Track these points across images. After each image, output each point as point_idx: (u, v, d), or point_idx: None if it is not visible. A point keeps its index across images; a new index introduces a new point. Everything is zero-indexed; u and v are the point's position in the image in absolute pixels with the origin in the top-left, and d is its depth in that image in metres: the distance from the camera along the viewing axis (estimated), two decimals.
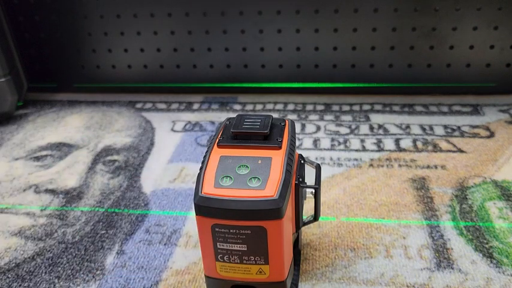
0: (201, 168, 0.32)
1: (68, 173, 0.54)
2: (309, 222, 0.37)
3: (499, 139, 0.58)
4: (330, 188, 0.50)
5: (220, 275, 0.33)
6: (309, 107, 0.68)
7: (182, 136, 0.62)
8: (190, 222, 0.46)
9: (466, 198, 0.48)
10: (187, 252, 0.42)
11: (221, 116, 0.67)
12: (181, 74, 0.73)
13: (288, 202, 0.32)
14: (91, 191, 0.51)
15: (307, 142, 0.59)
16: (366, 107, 0.67)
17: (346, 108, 0.67)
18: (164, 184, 0.52)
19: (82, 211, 0.48)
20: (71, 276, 0.40)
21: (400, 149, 0.57)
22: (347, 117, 0.65)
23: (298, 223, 0.35)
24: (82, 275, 0.40)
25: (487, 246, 0.41)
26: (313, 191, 0.35)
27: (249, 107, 0.69)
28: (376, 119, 0.64)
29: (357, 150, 0.57)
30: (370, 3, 0.64)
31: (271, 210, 0.30)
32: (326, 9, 0.65)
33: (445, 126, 0.61)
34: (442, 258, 0.40)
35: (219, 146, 0.34)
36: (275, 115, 0.65)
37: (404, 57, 0.68)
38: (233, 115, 0.38)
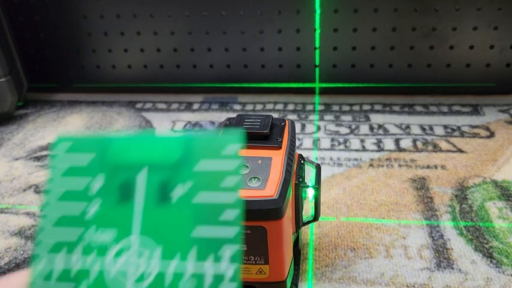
0: None
1: None
2: (309, 222, 0.37)
3: (499, 139, 0.58)
4: (330, 188, 0.50)
5: None
6: (309, 107, 0.68)
7: None
8: None
9: (466, 198, 0.48)
10: None
11: (221, 116, 0.67)
12: (181, 74, 0.73)
13: (288, 202, 0.32)
14: None
15: (307, 142, 0.59)
16: (366, 107, 0.67)
17: (346, 108, 0.67)
18: None
19: None
20: None
21: (400, 149, 0.57)
22: (347, 117, 0.65)
23: (298, 223, 0.35)
24: None
25: (487, 246, 0.41)
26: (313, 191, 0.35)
27: (249, 107, 0.69)
28: (376, 119, 0.64)
29: (356, 150, 0.57)
30: (370, 3, 0.64)
31: (271, 210, 0.30)
32: (326, 9, 0.65)
33: (445, 126, 0.61)
34: (442, 258, 0.40)
35: None
36: (275, 115, 0.65)
37: (404, 57, 0.68)
38: (233, 115, 0.38)
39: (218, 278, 0.16)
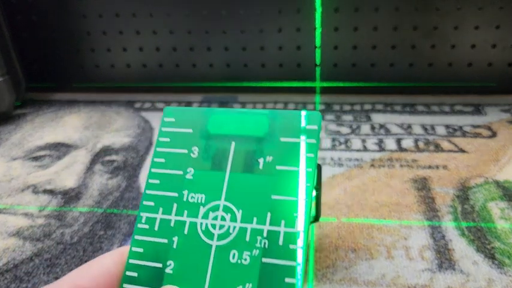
0: None
1: (67, 173, 0.54)
2: (310, 223, 0.37)
3: (501, 139, 0.57)
4: (331, 189, 0.50)
5: None
6: (310, 107, 0.68)
7: None
8: None
9: (468, 198, 0.47)
10: None
11: None
12: (180, 73, 0.72)
13: None
14: (89, 192, 0.51)
15: None
16: (367, 107, 0.67)
17: (347, 107, 0.67)
18: None
19: (80, 212, 0.48)
20: None
21: (401, 149, 0.56)
22: (348, 117, 0.64)
23: None
24: None
25: (488, 247, 0.41)
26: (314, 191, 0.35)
27: (249, 106, 0.69)
28: (377, 118, 0.64)
29: (358, 150, 0.57)
30: (371, 2, 0.64)
31: None
32: (327, 8, 0.65)
33: (447, 126, 0.61)
34: (444, 259, 0.40)
35: None
36: None
37: (405, 56, 0.67)
38: None
39: (290, 237, 0.18)
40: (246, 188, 0.20)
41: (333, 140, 0.59)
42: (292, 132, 0.20)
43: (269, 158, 0.20)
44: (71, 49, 0.72)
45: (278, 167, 0.20)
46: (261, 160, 0.20)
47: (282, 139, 0.20)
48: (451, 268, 0.39)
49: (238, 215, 0.19)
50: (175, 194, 0.20)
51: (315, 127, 0.20)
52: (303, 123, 0.20)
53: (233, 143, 0.20)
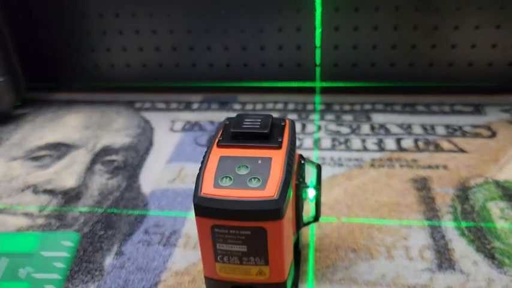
0: (200, 168, 0.32)
1: (67, 173, 0.54)
2: (310, 222, 0.37)
3: (501, 139, 0.58)
4: (331, 189, 0.50)
5: (220, 276, 0.33)
6: (310, 107, 0.68)
7: (181, 136, 0.62)
8: (190, 223, 0.45)
9: (468, 198, 0.47)
10: (187, 253, 0.42)
11: (221, 116, 0.66)
12: (180, 73, 0.72)
13: (288, 203, 0.31)
14: (89, 192, 0.51)
15: (308, 142, 0.59)
16: (367, 107, 0.67)
17: (347, 107, 0.67)
18: (163, 184, 0.52)
19: (80, 212, 0.48)
20: (70, 277, 0.40)
21: (401, 149, 0.56)
22: (348, 117, 0.64)
23: (299, 224, 0.35)
24: (81, 276, 0.40)
25: (488, 247, 0.41)
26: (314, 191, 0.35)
27: (249, 106, 0.69)
28: (377, 118, 0.64)
29: (357, 150, 0.57)
30: (371, 1, 0.64)
31: (271, 211, 0.29)
32: (327, 7, 0.65)
33: (447, 126, 0.61)
34: (444, 259, 0.40)
35: (218, 146, 0.33)
36: (275, 115, 0.65)
37: (405, 56, 0.67)
38: (233, 115, 0.38)
39: None
40: None
41: (333, 140, 0.59)
42: (49, 249, 0.27)
43: (28, 268, 0.27)
44: (71, 49, 0.72)
45: (36, 275, 0.27)
46: (23, 270, 0.27)
47: (43, 253, 0.27)
48: (450, 268, 0.39)
49: None
50: None
51: (65, 248, 0.27)
52: (58, 242, 0.27)
53: (3, 260, 0.28)
